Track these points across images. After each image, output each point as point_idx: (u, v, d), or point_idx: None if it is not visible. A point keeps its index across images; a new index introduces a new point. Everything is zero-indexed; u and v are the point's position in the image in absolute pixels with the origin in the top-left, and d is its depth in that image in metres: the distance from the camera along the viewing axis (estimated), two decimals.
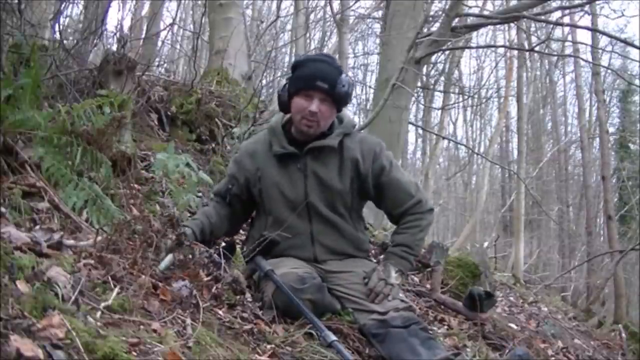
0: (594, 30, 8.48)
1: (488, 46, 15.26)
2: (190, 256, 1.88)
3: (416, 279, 3.44)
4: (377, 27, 11.57)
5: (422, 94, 12.32)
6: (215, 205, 2.30)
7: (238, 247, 2.46)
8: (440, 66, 12.87)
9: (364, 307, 2.05)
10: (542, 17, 6.18)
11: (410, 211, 2.22)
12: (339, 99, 2.15)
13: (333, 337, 1.77)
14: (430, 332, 2.12)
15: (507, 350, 2.64)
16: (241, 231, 2.94)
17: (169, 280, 1.74)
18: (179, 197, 2.56)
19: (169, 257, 1.82)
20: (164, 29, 8.31)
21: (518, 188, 11.27)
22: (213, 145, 3.93)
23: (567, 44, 13.14)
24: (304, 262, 2.14)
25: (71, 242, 1.68)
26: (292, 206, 2.17)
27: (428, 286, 3.26)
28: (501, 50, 13.51)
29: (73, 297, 1.28)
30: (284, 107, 2.23)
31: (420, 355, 1.85)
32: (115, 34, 4.20)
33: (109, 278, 1.51)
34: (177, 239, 1.87)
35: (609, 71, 12.28)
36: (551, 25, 7.79)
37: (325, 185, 2.17)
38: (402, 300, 2.10)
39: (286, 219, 2.15)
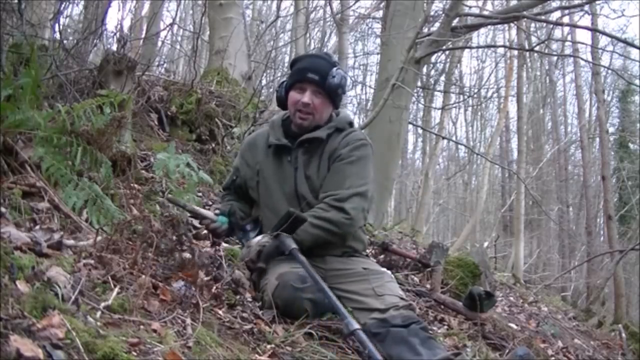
0: (594, 30, 8.48)
1: (488, 46, 15.27)
2: (191, 256, 1.88)
3: (416, 279, 3.44)
4: (377, 27, 11.56)
5: (422, 94, 12.32)
6: (226, 196, 2.42)
7: (238, 247, 2.46)
8: (440, 66, 12.88)
9: (364, 305, 2.05)
10: (542, 17, 6.19)
11: (325, 200, 2.11)
12: (331, 91, 2.17)
13: (356, 326, 1.72)
14: (430, 331, 2.12)
15: (507, 351, 2.64)
16: None
17: (169, 280, 1.74)
18: (179, 197, 2.56)
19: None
20: (164, 29, 8.33)
21: (518, 188, 11.29)
22: (213, 145, 3.94)
23: (567, 44, 13.15)
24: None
25: (71, 242, 1.68)
26: (286, 198, 2.20)
27: (428, 286, 3.26)
28: (501, 50, 13.54)
29: (73, 297, 1.28)
30: (282, 103, 2.29)
31: (420, 355, 1.85)
32: (115, 34, 4.20)
33: (109, 278, 1.51)
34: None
35: (609, 71, 12.30)
36: (551, 25, 7.78)
37: (310, 179, 2.20)
38: (402, 298, 2.10)
39: (281, 211, 2.16)
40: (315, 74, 2.16)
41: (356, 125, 2.45)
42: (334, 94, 2.20)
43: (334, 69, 2.18)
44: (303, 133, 2.21)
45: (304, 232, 2.05)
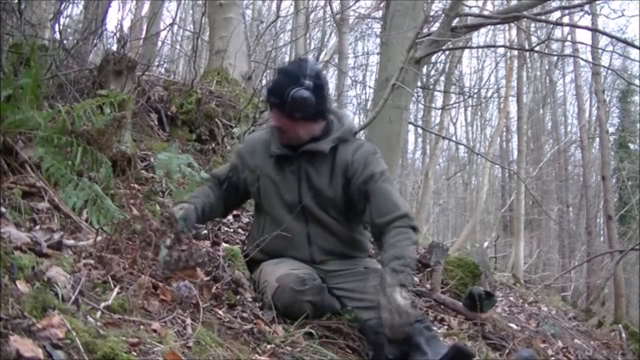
0: (594, 30, 8.47)
1: (488, 46, 15.24)
2: (189, 255, 1.88)
3: (416, 279, 3.44)
4: (377, 27, 11.55)
5: (422, 94, 12.31)
6: (211, 186, 2.34)
7: (238, 247, 2.46)
8: (440, 66, 12.87)
9: (367, 304, 2.04)
10: (542, 17, 6.17)
11: (397, 223, 2.04)
12: (291, 111, 2.04)
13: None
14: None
15: (507, 351, 2.65)
16: (241, 231, 2.95)
17: (169, 280, 1.74)
18: (179, 197, 2.57)
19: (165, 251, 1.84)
20: (164, 29, 8.32)
21: (518, 188, 11.28)
22: (213, 145, 3.94)
23: (567, 44, 13.15)
24: (303, 263, 2.14)
25: (71, 242, 1.68)
26: (288, 208, 2.16)
27: (428, 286, 3.26)
28: (501, 50, 13.53)
29: (73, 297, 1.29)
30: None
31: (426, 354, 1.85)
32: (115, 34, 4.20)
33: (109, 278, 1.52)
34: (176, 238, 1.86)
35: (609, 71, 12.28)
36: (551, 25, 7.77)
37: (316, 190, 2.15)
38: None
39: (283, 220, 2.14)
40: (275, 97, 2.06)
41: (356, 125, 2.40)
42: (296, 113, 2.04)
43: (292, 89, 2.00)
44: (298, 142, 2.15)
45: (411, 254, 2.02)
